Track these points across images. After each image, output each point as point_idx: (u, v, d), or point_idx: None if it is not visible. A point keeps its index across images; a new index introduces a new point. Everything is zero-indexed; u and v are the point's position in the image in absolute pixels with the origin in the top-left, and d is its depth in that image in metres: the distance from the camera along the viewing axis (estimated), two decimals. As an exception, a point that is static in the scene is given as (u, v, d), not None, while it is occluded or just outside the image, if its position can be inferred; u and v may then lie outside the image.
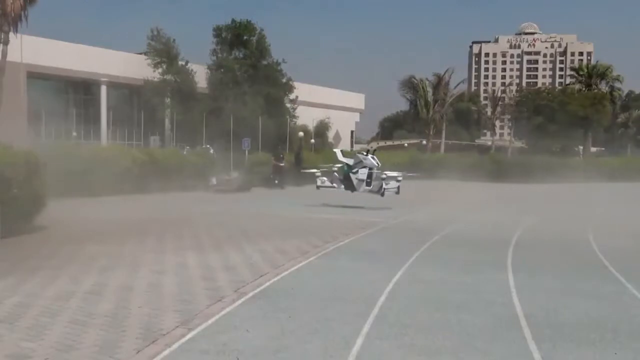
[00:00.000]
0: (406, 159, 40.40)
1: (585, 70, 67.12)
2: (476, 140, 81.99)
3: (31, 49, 32.40)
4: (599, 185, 35.33)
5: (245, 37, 40.90)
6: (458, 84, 64.80)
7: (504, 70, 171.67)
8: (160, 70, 38.30)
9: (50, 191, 12.26)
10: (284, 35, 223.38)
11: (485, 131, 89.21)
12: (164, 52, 38.46)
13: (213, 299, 6.65)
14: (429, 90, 59.31)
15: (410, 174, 23.27)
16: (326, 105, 51.33)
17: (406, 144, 62.06)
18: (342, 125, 50.97)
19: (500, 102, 72.75)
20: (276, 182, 28.06)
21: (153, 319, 5.85)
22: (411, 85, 60.34)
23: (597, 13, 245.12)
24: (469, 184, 33.99)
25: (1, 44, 26.91)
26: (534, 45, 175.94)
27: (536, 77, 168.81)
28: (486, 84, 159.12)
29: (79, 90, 38.78)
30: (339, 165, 19.28)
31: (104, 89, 39.50)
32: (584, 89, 64.49)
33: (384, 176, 18.84)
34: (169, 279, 7.65)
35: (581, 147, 60.86)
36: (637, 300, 7.00)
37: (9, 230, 10.74)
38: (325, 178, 19.24)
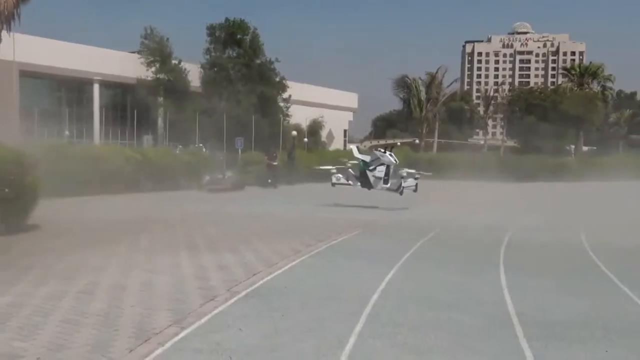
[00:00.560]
0: (400, 158, 40.35)
1: (577, 70, 67.48)
2: (469, 140, 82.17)
3: (24, 48, 32.26)
4: (592, 184, 35.52)
5: (238, 36, 40.94)
6: (451, 83, 65.06)
7: (496, 69, 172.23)
8: (153, 69, 38.26)
9: (42, 191, 12.20)
10: (277, 34, 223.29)
11: (477, 130, 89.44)
12: (157, 51, 38.43)
13: (206, 298, 6.64)
14: (422, 89, 59.49)
15: (427, 173, 22.70)
16: (319, 104, 51.37)
17: (399, 143, 62.07)
18: (335, 124, 51.05)
19: (492, 102, 73.04)
20: (269, 181, 28.05)
21: (146, 318, 5.83)
22: (404, 84, 60.47)
23: (589, 13, 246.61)
24: (466, 182, 34.05)
25: (-6, 43, 26.78)
26: (526, 44, 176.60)
27: (529, 76, 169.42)
28: (479, 83, 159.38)
29: (72, 89, 38.67)
30: (354, 161, 18.83)
31: (96, 88, 39.39)
32: (576, 88, 64.83)
33: (404, 174, 18.32)
34: (162, 278, 7.64)
35: (573, 147, 61.16)
36: (629, 299, 7.04)
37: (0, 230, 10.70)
38: (340, 175, 18.79)
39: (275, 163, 29.03)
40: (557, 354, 5.02)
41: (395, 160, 18.04)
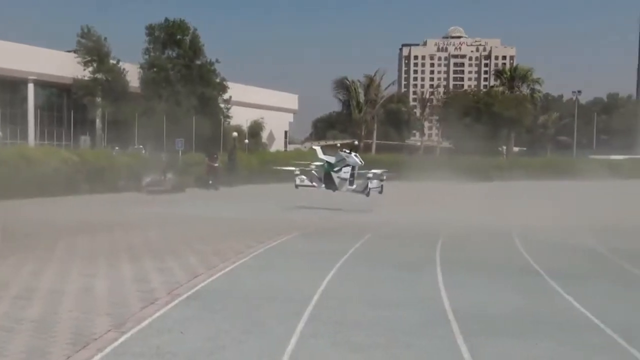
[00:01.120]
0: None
1: (508, 74, 70.01)
2: (406, 141, 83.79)
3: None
4: (522, 184, 36.88)
5: (178, 37, 40.46)
6: (388, 86, 66.37)
7: (432, 72, 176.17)
8: (90, 68, 37.39)
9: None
10: (218, 35, 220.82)
11: (414, 132, 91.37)
12: (94, 51, 37.59)
13: (146, 301, 6.57)
14: (361, 91, 60.34)
15: (391, 173, 21.93)
16: (260, 105, 51.29)
17: (339, 144, 62.70)
18: (276, 126, 51.03)
19: (428, 104, 74.89)
20: (210, 182, 27.79)
21: (84, 323, 5.72)
22: (344, 86, 61.17)
23: (519, 19, 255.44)
24: (405, 183, 34.66)
25: None
26: (460, 48, 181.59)
27: (463, 79, 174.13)
28: (415, 85, 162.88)
29: (5, 89, 37.21)
30: (319, 163, 18.34)
31: (31, 88, 38.10)
32: (507, 91, 67.28)
33: (370, 175, 17.96)
34: (101, 283, 7.49)
35: (504, 147, 63.42)
36: (558, 294, 7.40)
37: None
38: (304, 177, 18.29)
39: (216, 164, 28.78)
40: (491, 348, 5.25)
41: (360, 162, 17.68)
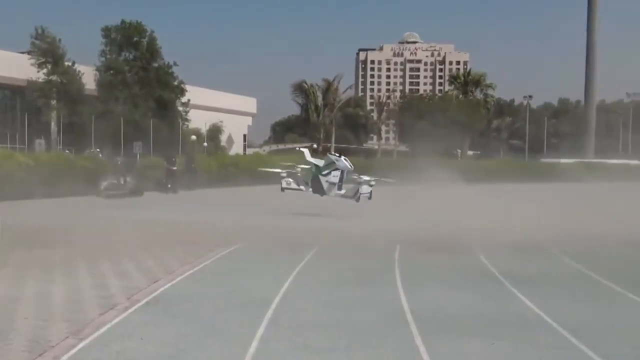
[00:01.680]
0: (301, 163, 40.78)
1: (462, 79, 71.54)
2: (364, 144, 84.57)
3: None
4: (477, 187, 37.60)
5: (135, 39, 39.92)
6: (346, 90, 67.01)
7: (388, 77, 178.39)
8: (45, 70, 36.58)
9: None
10: (175, 38, 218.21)
11: (372, 135, 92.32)
12: (48, 52, 36.77)
13: (105, 307, 6.49)
14: (319, 95, 60.70)
15: (389, 180, 20.99)
16: (219, 108, 51.00)
17: (298, 148, 62.84)
18: (235, 129, 50.86)
19: (385, 108, 75.83)
20: (169, 186, 27.46)
21: (41, 330, 5.62)
22: (302, 90, 61.42)
23: (472, 25, 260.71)
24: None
25: None
26: (415, 53, 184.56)
27: (418, 84, 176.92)
28: (372, 90, 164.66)
29: (-46, 91, 35.95)
30: (306, 166, 17.90)
31: (-18, 89, 36.89)
32: (461, 96, 68.73)
33: (360, 180, 17.35)
34: (58, 288, 7.35)
35: (459, 151, 64.72)
36: (514, 296, 7.59)
37: None
38: (291, 179, 17.60)
39: (174, 168, 28.44)
40: (448, 347, 5.39)
41: (350, 166, 17.15)
